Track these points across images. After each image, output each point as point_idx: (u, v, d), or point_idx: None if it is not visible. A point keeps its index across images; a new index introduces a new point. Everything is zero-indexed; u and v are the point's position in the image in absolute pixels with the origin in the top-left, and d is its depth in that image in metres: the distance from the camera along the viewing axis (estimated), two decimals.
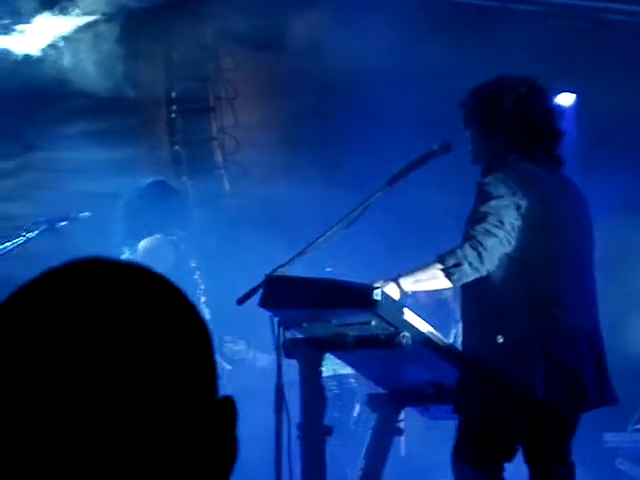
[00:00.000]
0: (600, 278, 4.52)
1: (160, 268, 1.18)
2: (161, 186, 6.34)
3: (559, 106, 5.45)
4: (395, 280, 4.34)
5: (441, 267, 4.31)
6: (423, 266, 4.37)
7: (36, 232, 5.57)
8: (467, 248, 4.30)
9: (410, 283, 4.36)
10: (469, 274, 4.31)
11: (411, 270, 4.40)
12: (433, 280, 4.35)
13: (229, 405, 1.15)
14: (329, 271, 6.05)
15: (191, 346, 1.12)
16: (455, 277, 4.31)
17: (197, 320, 1.15)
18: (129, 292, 1.11)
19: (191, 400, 1.10)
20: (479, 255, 4.28)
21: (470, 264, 4.29)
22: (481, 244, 4.29)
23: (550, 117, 4.56)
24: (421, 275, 4.37)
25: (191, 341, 1.12)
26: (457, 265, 4.29)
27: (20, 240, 5.54)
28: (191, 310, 1.15)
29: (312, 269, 5.20)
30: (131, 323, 1.09)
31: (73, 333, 1.07)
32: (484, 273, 4.32)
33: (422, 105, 6.60)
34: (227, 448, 1.14)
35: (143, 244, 5.93)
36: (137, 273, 1.14)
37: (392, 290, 4.31)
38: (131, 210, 6.11)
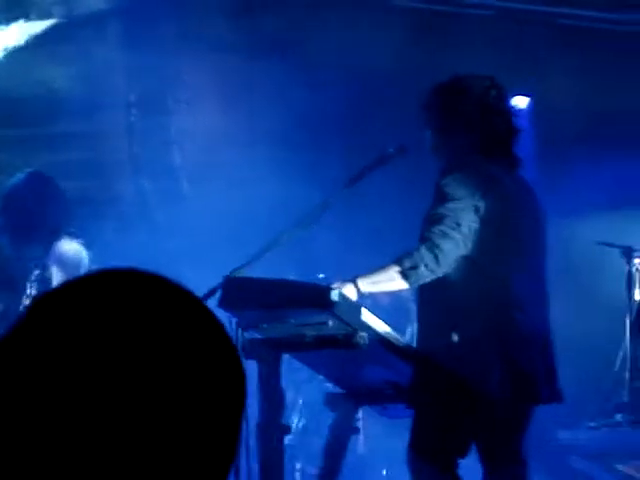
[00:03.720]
0: (566, 276, 4.59)
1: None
2: (43, 179, 5.62)
3: (514, 107, 5.51)
4: (353, 281, 4.39)
5: (398, 269, 4.36)
6: (380, 267, 4.42)
7: None
8: (424, 250, 4.35)
9: (367, 284, 4.41)
10: (425, 276, 4.36)
11: (369, 271, 4.45)
12: (390, 282, 4.41)
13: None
14: (321, 278, 6.04)
15: (217, 364, 1.12)
16: (412, 279, 4.37)
17: (223, 336, 1.15)
18: (153, 304, 1.11)
19: (224, 414, 1.10)
20: (435, 257, 4.34)
21: (426, 266, 4.34)
22: (437, 246, 4.34)
23: (507, 117, 4.62)
24: (378, 277, 4.42)
25: (217, 358, 1.12)
26: (414, 267, 4.34)
27: None
28: (217, 327, 1.15)
29: (305, 275, 5.22)
30: (159, 338, 1.08)
31: (101, 341, 1.07)
32: (440, 275, 4.38)
33: (378, 107, 6.66)
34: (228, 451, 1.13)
35: (63, 250, 5.46)
36: (160, 284, 1.14)
37: (350, 291, 4.36)
38: (15, 208, 5.50)
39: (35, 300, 1.12)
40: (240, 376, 1.15)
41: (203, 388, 1.09)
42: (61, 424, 1.05)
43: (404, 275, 4.36)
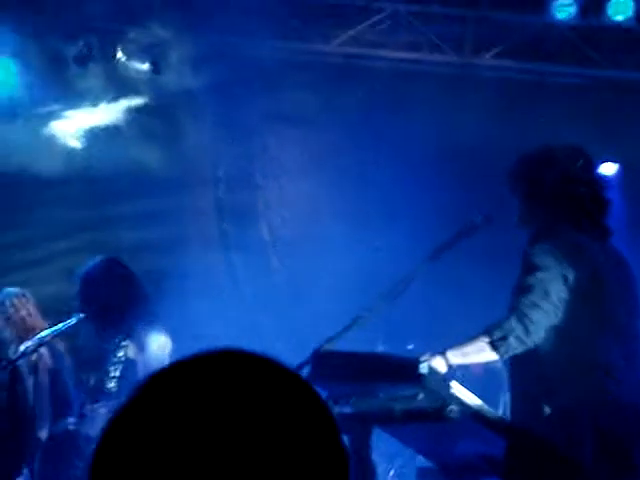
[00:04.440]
0: None
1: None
2: (116, 264, 5.79)
3: (604, 175, 5.47)
4: (442, 353, 4.35)
5: (488, 340, 4.32)
6: (470, 339, 4.38)
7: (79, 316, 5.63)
8: (513, 321, 4.31)
9: (457, 356, 4.37)
10: (516, 347, 4.31)
11: (459, 343, 4.42)
12: (480, 353, 4.36)
13: None
14: (410, 349, 6.01)
15: (324, 442, 1.14)
16: (502, 350, 4.32)
17: (328, 415, 1.17)
18: (263, 388, 1.12)
19: None
20: (525, 328, 4.29)
21: (517, 337, 4.29)
22: (527, 316, 4.30)
23: (596, 187, 4.58)
24: (468, 348, 4.38)
25: (324, 437, 1.14)
26: (504, 338, 4.30)
27: (72, 321, 5.62)
28: (323, 407, 1.18)
29: (393, 346, 5.20)
30: (264, 421, 1.10)
31: (207, 431, 1.08)
32: (531, 345, 4.32)
33: (464, 178, 6.66)
34: None
35: (149, 340, 5.51)
36: (268, 366, 1.15)
37: (439, 363, 4.32)
38: (89, 294, 5.65)
39: (149, 378, 1.14)
40: (343, 456, 1.17)
41: (308, 467, 1.11)
42: None
43: (494, 346, 4.31)
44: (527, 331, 4.29)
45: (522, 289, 4.36)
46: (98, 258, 5.80)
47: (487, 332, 4.32)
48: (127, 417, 1.11)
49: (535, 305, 4.31)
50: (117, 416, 1.12)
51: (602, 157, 6.62)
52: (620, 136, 6.95)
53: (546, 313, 4.32)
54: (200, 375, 1.12)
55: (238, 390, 1.11)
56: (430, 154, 6.81)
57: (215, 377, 1.12)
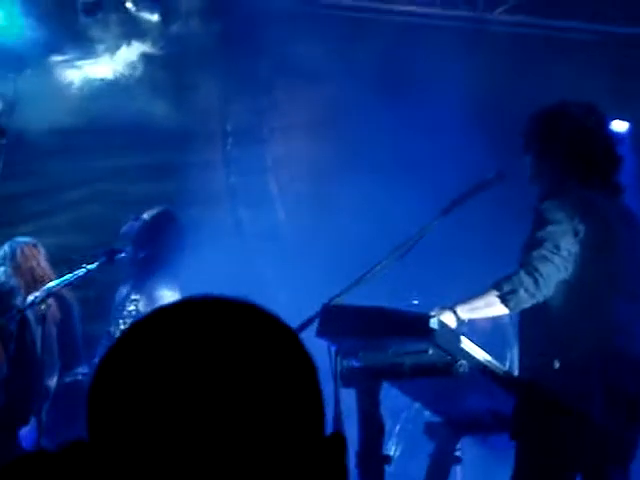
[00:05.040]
0: None
1: None
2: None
3: (617, 133, 5.43)
4: (452, 308, 4.36)
5: (497, 294, 4.32)
6: (480, 293, 4.38)
7: (96, 264, 5.64)
8: (523, 274, 4.31)
9: (467, 311, 4.38)
10: (525, 300, 4.31)
11: (468, 297, 4.42)
12: (490, 307, 4.37)
13: (339, 441, 1.18)
14: (415, 304, 6.02)
15: (301, 385, 1.15)
16: (512, 304, 4.32)
17: (307, 359, 1.17)
18: (242, 330, 1.14)
19: (301, 438, 1.13)
20: (535, 281, 4.29)
21: (526, 290, 4.30)
22: (537, 270, 4.30)
23: (608, 144, 4.57)
24: (478, 302, 4.38)
25: (301, 380, 1.15)
26: (513, 291, 4.30)
27: (80, 272, 5.62)
28: (303, 351, 1.17)
29: (396, 301, 5.21)
30: (243, 363, 1.12)
31: (185, 372, 1.10)
32: (540, 299, 4.33)
33: (476, 134, 6.63)
34: None
35: (162, 295, 5.66)
36: (250, 311, 1.17)
37: (449, 318, 4.33)
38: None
39: (132, 324, 1.17)
40: (319, 404, 1.17)
41: (283, 410, 1.12)
42: (163, 433, 1.10)
43: (503, 300, 4.32)
44: (537, 284, 4.29)
45: (532, 243, 4.37)
46: (161, 207, 5.94)
47: (497, 286, 4.32)
48: (112, 360, 1.15)
49: (545, 259, 4.31)
50: (103, 361, 1.16)
51: (614, 114, 6.59)
52: (632, 93, 6.91)
53: (556, 267, 4.32)
54: (180, 318, 1.15)
55: (216, 332, 1.13)
56: (442, 110, 6.78)
57: (193, 320, 1.14)
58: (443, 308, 4.37)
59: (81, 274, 5.62)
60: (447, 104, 6.75)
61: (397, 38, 7.16)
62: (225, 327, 1.14)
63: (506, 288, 4.31)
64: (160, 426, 1.09)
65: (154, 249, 5.81)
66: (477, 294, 4.39)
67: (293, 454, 1.11)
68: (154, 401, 1.10)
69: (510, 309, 4.35)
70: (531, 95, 5.68)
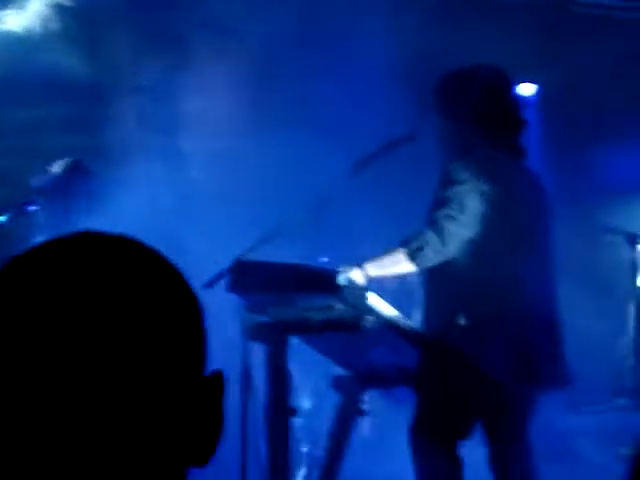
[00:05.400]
0: (570, 262, 4.65)
1: None
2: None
3: (522, 96, 5.54)
4: (360, 265, 4.44)
5: (404, 251, 4.42)
6: (387, 251, 4.48)
7: (6, 216, 5.62)
8: (429, 233, 4.41)
9: (375, 268, 4.47)
10: (432, 258, 4.42)
11: (376, 255, 4.51)
12: (397, 264, 4.46)
13: (217, 381, 1.17)
14: (325, 262, 6.08)
15: (182, 322, 1.12)
16: (418, 261, 4.42)
17: (190, 296, 1.16)
18: (121, 266, 1.11)
19: (180, 376, 1.11)
20: (442, 239, 4.40)
21: (433, 248, 4.40)
22: (444, 228, 4.40)
23: (514, 107, 4.68)
24: (385, 260, 4.48)
25: (182, 317, 1.13)
26: (420, 249, 4.40)
27: None
28: (184, 286, 1.15)
29: (307, 258, 5.25)
30: (122, 298, 1.09)
31: (61, 309, 1.08)
32: (447, 257, 4.43)
33: (397, 95, 6.69)
34: (213, 423, 1.15)
35: None
36: (130, 247, 1.14)
37: (357, 275, 4.42)
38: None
39: (8, 260, 1.14)
40: (196, 315, 1.16)
41: (162, 342, 1.11)
42: (26, 389, 1.07)
43: (411, 257, 4.42)
44: (443, 242, 4.40)
45: (439, 202, 4.46)
46: (71, 158, 5.91)
47: (404, 243, 4.42)
48: None
49: (451, 217, 4.42)
50: None
51: (523, 77, 6.72)
52: (547, 56, 7.02)
53: (462, 225, 4.43)
54: (56, 253, 1.12)
55: (94, 266, 1.10)
56: (363, 70, 6.82)
57: (71, 255, 1.12)
58: (351, 265, 4.46)
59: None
60: (370, 62, 6.79)
61: None
62: (104, 261, 1.11)
63: (413, 246, 4.41)
64: (28, 362, 1.07)
65: (66, 200, 5.81)
66: (385, 252, 4.49)
67: (167, 392, 1.10)
68: (23, 336, 1.07)
69: (417, 266, 4.45)
70: (457, 55, 5.75)
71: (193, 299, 1.16)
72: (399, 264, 4.45)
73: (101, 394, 1.07)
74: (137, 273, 1.11)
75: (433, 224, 4.42)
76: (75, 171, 5.90)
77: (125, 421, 1.08)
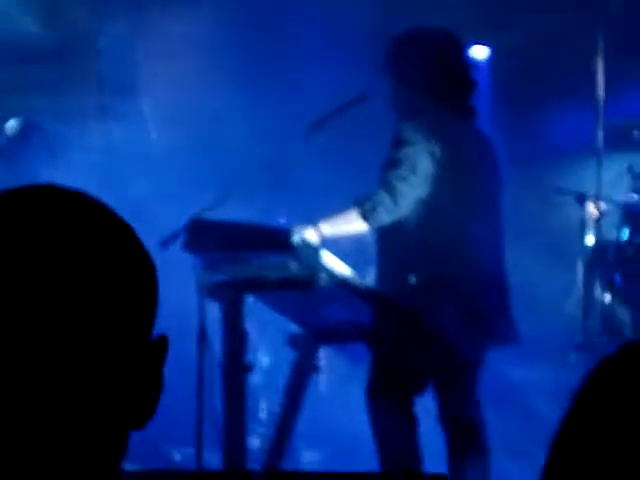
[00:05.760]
0: (520, 222, 4.72)
1: None
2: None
3: (472, 58, 5.61)
4: (314, 224, 4.52)
5: (358, 210, 4.49)
6: (341, 211, 4.55)
7: None
8: (382, 193, 4.48)
9: (328, 227, 4.54)
10: (384, 217, 4.50)
11: (329, 214, 4.58)
12: (350, 224, 4.54)
13: (161, 345, 1.15)
14: (282, 222, 6.13)
15: (134, 283, 1.11)
16: (371, 220, 4.50)
17: (144, 259, 1.14)
18: (74, 221, 1.09)
19: (126, 336, 1.10)
20: (394, 199, 4.47)
21: (385, 207, 4.48)
22: (395, 188, 4.48)
23: (463, 68, 4.74)
24: (339, 219, 4.55)
25: (134, 278, 1.11)
26: (372, 209, 4.48)
27: None
28: (138, 248, 1.13)
29: (264, 217, 5.31)
30: (73, 254, 1.07)
31: (9, 259, 1.06)
32: (398, 216, 4.51)
33: (348, 58, 6.74)
34: (153, 386, 1.14)
35: None
36: (87, 203, 1.12)
37: (311, 234, 4.49)
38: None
39: None
40: (149, 276, 1.15)
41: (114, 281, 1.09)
42: None
43: (364, 216, 4.49)
44: (395, 202, 4.47)
45: (390, 163, 4.54)
46: (23, 118, 5.91)
47: (357, 203, 4.50)
48: None
49: (403, 178, 4.49)
50: None
51: (476, 40, 6.79)
52: (497, 20, 7.09)
53: (413, 186, 4.51)
54: (8, 202, 1.11)
55: (43, 218, 1.09)
56: (313, 35, 6.87)
57: (19, 207, 1.10)
58: (305, 224, 4.53)
59: None
60: (324, 25, 6.83)
61: None
62: (59, 214, 1.10)
63: (366, 206, 4.48)
64: None
65: (24, 158, 5.82)
66: (339, 212, 4.56)
67: (110, 351, 1.08)
68: None
69: (370, 225, 4.53)
70: (409, 17, 5.81)
71: (147, 262, 1.14)
72: (352, 223, 4.52)
73: (43, 347, 1.05)
74: (91, 230, 1.10)
75: (385, 184, 4.50)
76: (28, 128, 5.91)
77: (66, 377, 1.06)
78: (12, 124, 5.89)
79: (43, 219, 1.09)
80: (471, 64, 4.86)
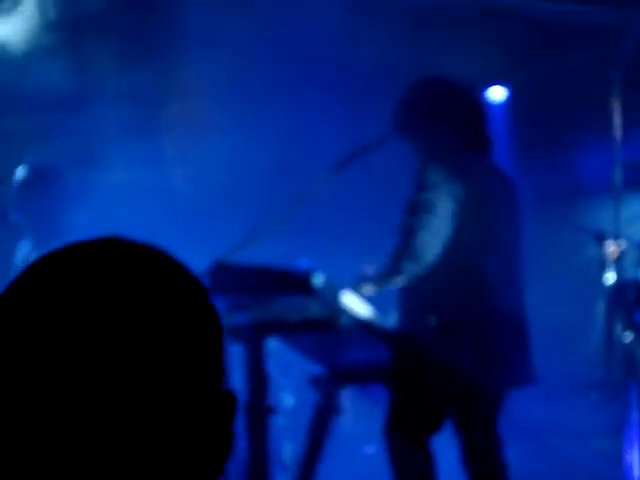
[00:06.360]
0: (539, 261, 4.76)
1: None
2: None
3: (488, 98, 5.67)
4: (354, 288, 4.61)
5: (390, 275, 4.59)
6: (383, 272, 4.64)
7: None
8: (406, 262, 4.55)
9: (369, 288, 4.65)
10: (411, 277, 4.58)
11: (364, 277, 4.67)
12: (389, 285, 4.64)
13: (231, 397, 1.15)
14: (303, 263, 6.17)
15: (203, 337, 1.10)
16: (404, 280, 4.60)
17: (211, 310, 1.13)
18: (144, 276, 1.08)
19: (197, 391, 1.09)
20: (418, 261, 4.55)
21: (410, 271, 4.57)
22: (418, 239, 4.54)
23: (480, 108, 4.83)
24: (374, 284, 4.65)
25: (203, 331, 1.10)
26: (399, 274, 4.57)
27: None
28: (206, 299, 1.13)
29: (285, 259, 5.36)
30: (144, 310, 1.06)
31: (82, 317, 1.05)
32: (426, 267, 4.58)
33: (367, 98, 6.80)
34: (224, 441, 1.13)
35: None
36: (154, 257, 1.11)
37: (367, 289, 4.62)
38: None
39: (30, 265, 1.11)
40: (217, 330, 1.14)
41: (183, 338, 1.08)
42: (41, 398, 1.05)
43: (397, 279, 4.61)
44: (419, 262, 4.55)
45: (413, 207, 4.60)
46: (35, 165, 5.90)
47: (385, 269, 4.59)
48: (8, 296, 1.08)
49: (424, 226, 4.55)
50: None
51: (495, 81, 6.85)
52: (514, 61, 7.14)
53: (434, 233, 4.57)
54: (82, 256, 1.09)
55: (119, 273, 1.07)
56: (331, 75, 6.94)
57: (94, 260, 1.08)
58: (352, 284, 4.62)
59: None
60: (335, 70, 6.91)
61: (292, 3, 7.28)
62: (128, 268, 1.08)
63: (394, 276, 4.58)
64: (48, 367, 1.04)
65: (35, 205, 5.79)
66: (380, 273, 4.64)
67: (184, 404, 1.08)
68: (44, 341, 1.04)
69: (399, 285, 4.65)
70: (418, 63, 5.88)
71: (214, 313, 1.13)
72: (390, 284, 4.63)
73: (117, 403, 1.04)
74: (161, 283, 1.08)
75: (409, 234, 4.56)
76: (36, 174, 5.88)
77: (139, 432, 1.05)
78: (20, 170, 5.91)
79: (115, 273, 1.07)
80: (486, 103, 4.94)
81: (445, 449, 4.69)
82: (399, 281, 4.59)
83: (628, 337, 6.16)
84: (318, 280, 4.44)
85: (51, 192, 5.82)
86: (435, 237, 4.55)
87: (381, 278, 4.62)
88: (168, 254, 1.12)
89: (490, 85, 6.86)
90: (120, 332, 1.05)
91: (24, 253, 5.90)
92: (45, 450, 1.04)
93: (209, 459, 1.11)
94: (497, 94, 7.15)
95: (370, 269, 4.72)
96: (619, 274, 6.33)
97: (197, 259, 4.68)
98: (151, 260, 1.10)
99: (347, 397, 5.51)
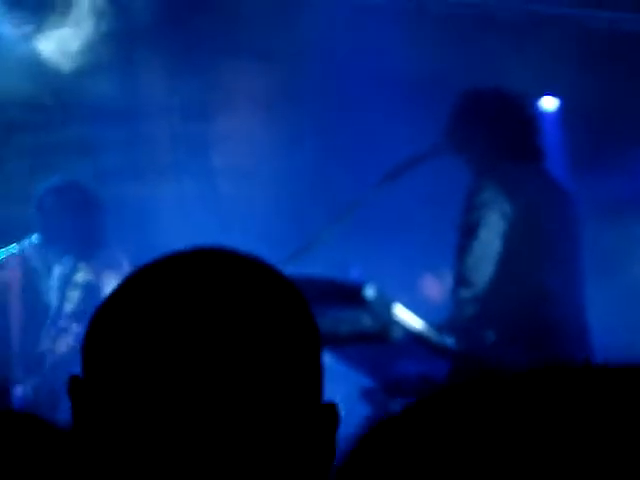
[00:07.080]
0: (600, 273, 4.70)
1: None
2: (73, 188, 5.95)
3: (542, 109, 5.63)
4: None
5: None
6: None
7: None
8: (458, 287, 4.54)
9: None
10: (467, 303, 4.54)
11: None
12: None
13: (332, 410, 1.15)
14: (355, 274, 6.13)
15: (302, 347, 1.12)
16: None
17: (310, 320, 1.16)
18: (247, 286, 1.10)
19: (298, 402, 1.10)
20: (468, 285, 4.50)
21: (464, 298, 4.54)
22: (465, 274, 4.49)
23: (532, 121, 4.77)
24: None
25: (302, 342, 1.12)
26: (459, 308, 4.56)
27: (22, 246, 5.73)
28: (305, 310, 1.16)
29: (336, 270, 5.34)
30: (245, 321, 1.07)
31: (187, 328, 1.05)
32: (481, 290, 4.53)
33: (407, 115, 6.78)
34: (327, 453, 1.13)
35: (111, 258, 5.74)
36: (254, 267, 1.13)
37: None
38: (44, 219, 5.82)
39: (132, 272, 1.12)
40: (316, 341, 1.15)
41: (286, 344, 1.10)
42: (147, 409, 1.05)
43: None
44: (471, 288, 4.50)
45: (463, 229, 4.55)
46: (54, 183, 5.89)
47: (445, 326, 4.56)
48: (115, 301, 1.10)
49: (470, 252, 4.50)
50: (107, 301, 1.10)
51: (544, 92, 6.78)
52: (564, 72, 7.08)
53: (482, 255, 4.52)
54: (187, 265, 1.10)
55: (223, 283, 1.08)
56: (382, 87, 6.91)
57: (199, 269, 1.09)
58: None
59: (23, 247, 5.71)
60: (384, 84, 6.89)
61: (340, 17, 7.27)
62: (232, 279, 1.09)
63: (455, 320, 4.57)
64: (156, 370, 1.04)
65: (70, 221, 5.77)
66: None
67: (288, 417, 1.08)
68: (152, 344, 1.05)
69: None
70: (466, 74, 5.83)
71: (314, 324, 1.16)
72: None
73: (221, 417, 1.04)
74: (264, 293, 1.10)
75: (459, 259, 4.52)
76: (65, 192, 5.88)
77: (242, 445, 1.04)
78: (50, 190, 5.90)
79: (217, 283, 1.08)
80: (540, 113, 4.88)
81: None
82: (460, 313, 4.52)
83: None
84: (370, 292, 4.38)
85: (83, 206, 5.80)
86: (482, 260, 4.50)
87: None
88: (267, 264, 1.15)
89: (543, 95, 6.78)
90: (227, 341, 1.05)
91: (67, 268, 5.87)
92: (152, 447, 1.04)
93: (312, 471, 1.10)
94: (550, 104, 7.08)
95: (429, 279, 4.69)
96: None
97: None
98: (252, 270, 1.12)
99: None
